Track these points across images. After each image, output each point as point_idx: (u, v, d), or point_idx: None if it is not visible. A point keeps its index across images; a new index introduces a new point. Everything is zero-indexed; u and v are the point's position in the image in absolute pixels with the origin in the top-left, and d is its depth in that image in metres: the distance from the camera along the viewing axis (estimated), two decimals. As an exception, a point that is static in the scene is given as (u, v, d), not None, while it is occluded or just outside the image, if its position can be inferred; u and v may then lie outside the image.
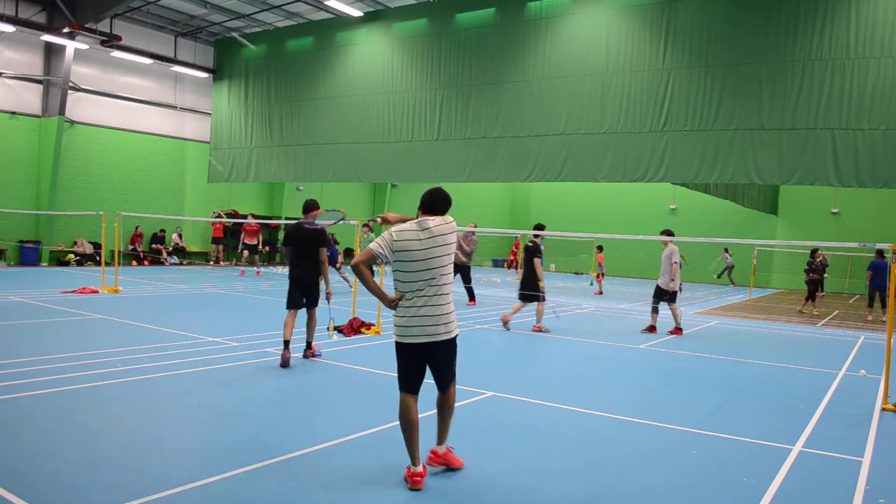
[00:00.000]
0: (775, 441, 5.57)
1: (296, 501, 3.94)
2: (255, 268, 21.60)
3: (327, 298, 7.94)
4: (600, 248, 21.86)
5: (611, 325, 12.81)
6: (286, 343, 7.60)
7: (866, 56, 11.82)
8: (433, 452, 4.57)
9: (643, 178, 13.88)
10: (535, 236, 11.47)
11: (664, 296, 11.74)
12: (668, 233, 11.75)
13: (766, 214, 26.93)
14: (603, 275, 21.25)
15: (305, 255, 7.79)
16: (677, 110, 13.49)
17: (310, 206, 7.86)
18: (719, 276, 28.34)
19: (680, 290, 11.87)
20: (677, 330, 11.71)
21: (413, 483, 4.24)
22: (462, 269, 15.02)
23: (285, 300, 7.85)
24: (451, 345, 4.46)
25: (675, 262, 11.58)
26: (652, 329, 11.79)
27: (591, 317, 14.26)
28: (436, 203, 4.50)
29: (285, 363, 7.49)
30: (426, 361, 4.45)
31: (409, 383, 4.43)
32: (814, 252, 17.51)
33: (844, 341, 12.27)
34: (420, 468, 4.29)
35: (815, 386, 8.00)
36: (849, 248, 26.27)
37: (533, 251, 11.33)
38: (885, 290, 14.90)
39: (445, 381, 4.53)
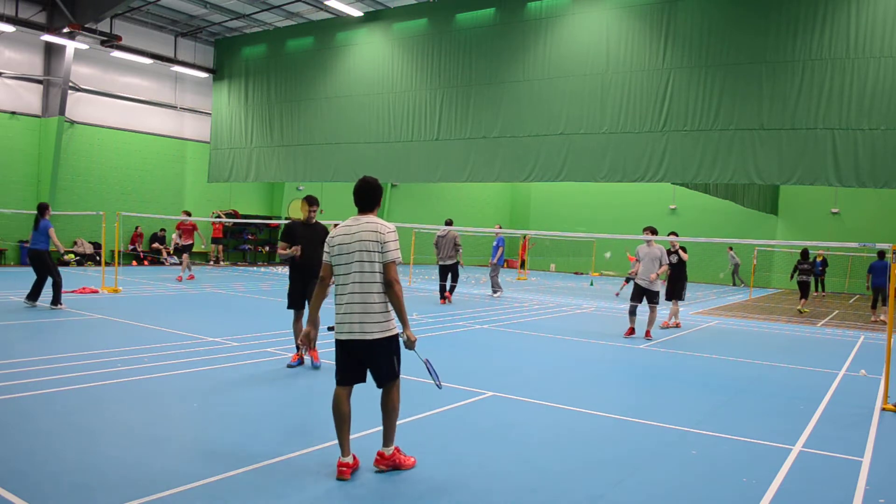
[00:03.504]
0: (775, 441, 5.57)
1: (295, 502, 3.94)
2: (187, 271, 18.04)
3: None
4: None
5: (610, 325, 12.81)
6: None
7: (866, 56, 11.81)
8: (379, 454, 4.49)
9: (643, 178, 13.87)
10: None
11: (653, 297, 11.13)
12: (653, 230, 11.31)
13: (766, 214, 26.95)
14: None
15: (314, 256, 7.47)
16: (677, 110, 13.49)
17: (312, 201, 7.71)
18: (724, 276, 28.54)
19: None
20: (647, 334, 11.17)
21: (339, 473, 4.29)
22: (454, 268, 15.59)
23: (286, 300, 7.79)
24: (382, 344, 4.38)
25: (666, 264, 11.14)
26: (633, 331, 11.22)
27: (591, 317, 14.26)
28: (359, 198, 4.54)
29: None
30: (360, 358, 4.44)
31: (341, 376, 4.48)
32: (805, 253, 17.62)
33: (844, 341, 12.27)
34: (348, 458, 4.35)
35: (815, 386, 8.00)
36: (849, 248, 26.28)
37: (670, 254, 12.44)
38: (885, 290, 14.97)
39: (380, 379, 4.49)
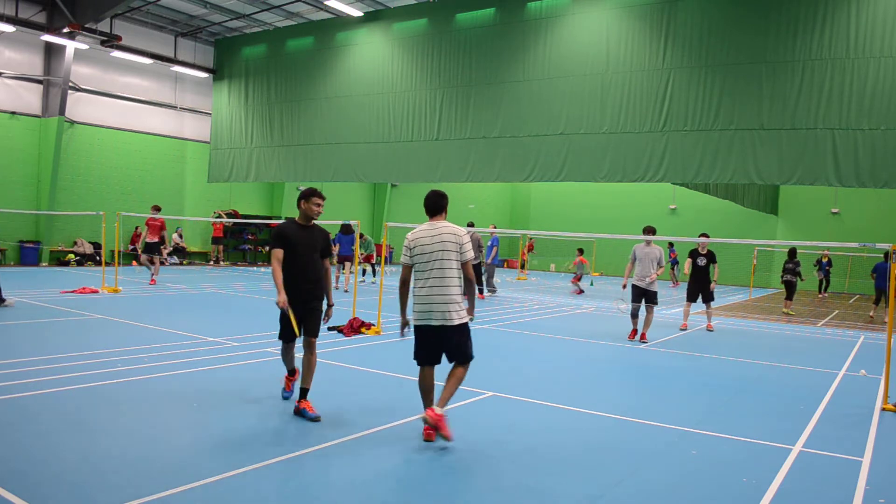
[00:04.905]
0: (775, 441, 5.57)
1: (296, 502, 3.94)
2: (150, 269, 16.51)
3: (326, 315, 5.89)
4: (581, 251, 21.56)
5: (610, 325, 12.81)
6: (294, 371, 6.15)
7: (866, 56, 11.82)
8: (430, 409, 5.01)
9: (643, 178, 13.87)
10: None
11: (652, 298, 10.78)
12: (652, 230, 11.02)
13: (766, 214, 26.95)
14: (579, 276, 20.48)
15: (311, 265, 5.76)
16: (677, 110, 13.49)
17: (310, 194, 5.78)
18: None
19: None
20: (643, 336, 10.88)
21: (428, 417, 4.98)
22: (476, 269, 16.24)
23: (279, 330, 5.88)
24: (457, 329, 5.10)
25: (664, 265, 10.85)
26: (635, 333, 10.96)
27: (591, 317, 14.27)
28: (429, 207, 5.32)
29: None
30: (437, 342, 5.14)
31: (421, 358, 5.22)
32: (792, 252, 17.43)
33: (844, 341, 12.27)
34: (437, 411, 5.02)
35: (815, 386, 8.00)
36: (849, 248, 26.29)
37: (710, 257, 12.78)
38: (886, 291, 15.03)
39: (458, 358, 5.18)
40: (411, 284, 5.31)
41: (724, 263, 28.80)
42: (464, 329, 5.16)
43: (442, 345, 5.16)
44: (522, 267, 28.35)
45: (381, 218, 30.15)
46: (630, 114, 13.97)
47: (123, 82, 22.00)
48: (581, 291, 20.00)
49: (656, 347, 10.40)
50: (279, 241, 5.64)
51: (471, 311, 5.30)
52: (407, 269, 5.28)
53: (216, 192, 24.71)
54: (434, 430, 4.97)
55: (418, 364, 5.26)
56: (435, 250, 5.11)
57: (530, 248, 28.75)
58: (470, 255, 5.15)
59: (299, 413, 5.55)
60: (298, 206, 5.77)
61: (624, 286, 11.26)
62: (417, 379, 5.28)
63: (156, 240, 16.17)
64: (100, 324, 9.92)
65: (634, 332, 11.02)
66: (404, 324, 5.39)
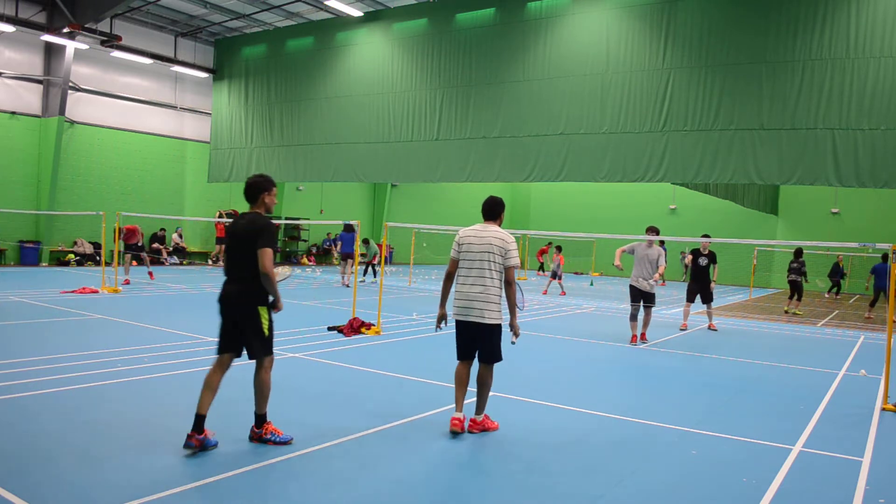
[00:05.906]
0: (775, 441, 5.57)
1: (296, 502, 3.94)
2: (144, 270, 16.64)
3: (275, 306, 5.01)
4: (559, 249, 20.96)
5: (610, 325, 12.81)
6: (199, 421, 4.64)
7: (866, 56, 11.82)
8: (472, 421, 5.40)
9: (643, 178, 13.87)
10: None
11: (650, 299, 10.51)
12: (656, 230, 10.71)
13: (766, 214, 26.97)
14: (559, 276, 19.81)
15: (238, 264, 5.13)
16: (677, 110, 13.49)
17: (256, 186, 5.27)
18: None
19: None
20: (643, 336, 10.70)
21: (452, 425, 5.26)
22: None
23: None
24: (490, 329, 5.30)
25: (664, 265, 10.50)
26: (636, 339, 10.56)
27: (591, 317, 14.27)
28: (485, 211, 5.53)
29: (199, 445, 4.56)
30: (472, 338, 5.38)
31: (459, 353, 5.50)
32: (798, 252, 17.24)
33: (844, 341, 12.27)
34: (460, 415, 5.31)
35: (815, 386, 8.00)
36: (849, 248, 26.29)
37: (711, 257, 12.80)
38: (886, 290, 15.05)
39: (484, 357, 5.40)
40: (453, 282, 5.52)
41: (724, 263, 28.83)
42: (496, 330, 5.33)
43: (475, 341, 5.36)
44: (541, 268, 28.17)
45: (381, 218, 30.16)
46: (630, 114, 13.97)
47: (123, 82, 22.01)
48: (545, 292, 19.66)
49: (656, 347, 10.40)
50: (275, 242, 5.23)
51: (512, 321, 5.26)
52: (453, 263, 5.48)
53: (216, 192, 24.71)
54: (460, 427, 5.27)
55: (457, 357, 5.50)
56: (482, 251, 5.30)
57: (545, 252, 28.35)
58: (515, 261, 5.29)
59: (263, 434, 4.91)
60: (258, 198, 5.32)
61: (618, 266, 10.89)
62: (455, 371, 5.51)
63: (137, 241, 16.05)
64: (100, 324, 9.92)
65: (635, 337, 10.60)
66: (441, 316, 5.53)
